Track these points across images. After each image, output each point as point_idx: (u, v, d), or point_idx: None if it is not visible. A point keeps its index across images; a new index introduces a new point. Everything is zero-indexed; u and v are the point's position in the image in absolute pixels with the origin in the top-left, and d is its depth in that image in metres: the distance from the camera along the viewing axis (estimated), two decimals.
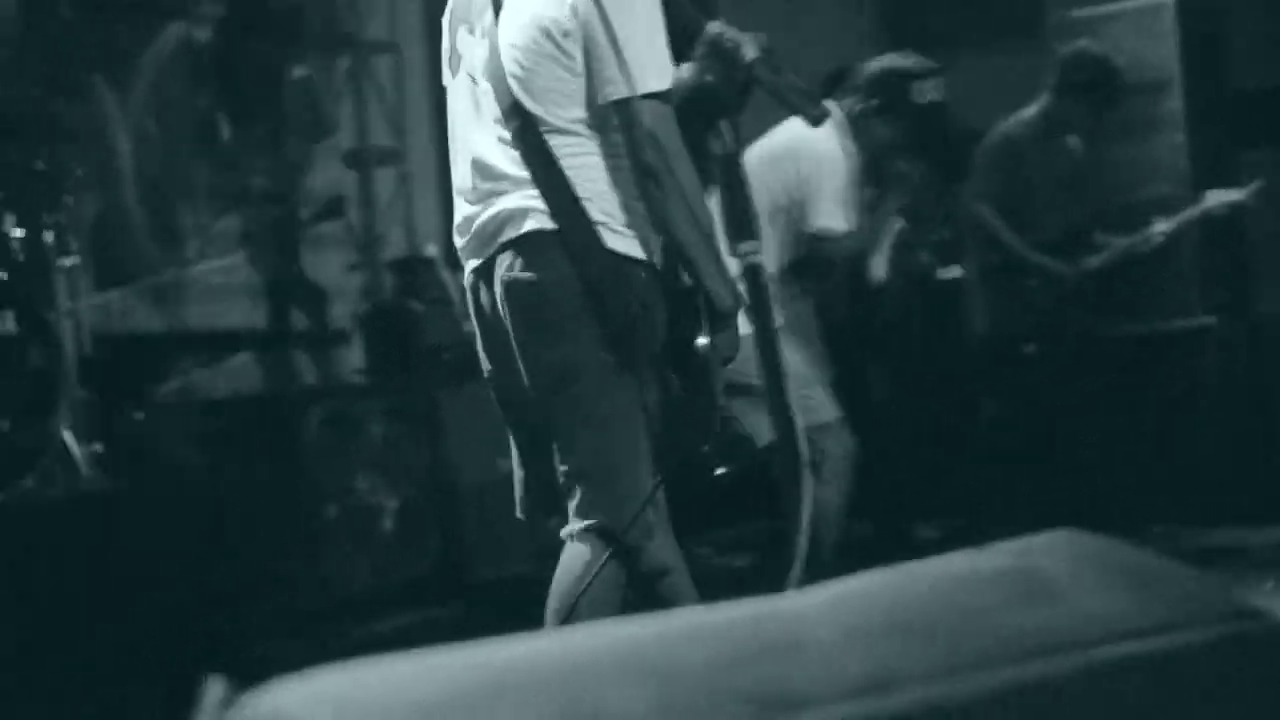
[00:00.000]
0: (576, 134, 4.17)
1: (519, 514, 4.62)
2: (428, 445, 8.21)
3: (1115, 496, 7.97)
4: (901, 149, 8.77)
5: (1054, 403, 8.24)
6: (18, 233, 6.98)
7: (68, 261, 7.41)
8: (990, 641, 1.60)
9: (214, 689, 1.48)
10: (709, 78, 2.90)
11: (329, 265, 10.19)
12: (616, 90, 4.04)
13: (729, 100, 2.91)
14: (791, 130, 6.34)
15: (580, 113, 4.15)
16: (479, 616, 7.64)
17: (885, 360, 9.12)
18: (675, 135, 3.92)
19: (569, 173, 4.14)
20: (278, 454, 7.82)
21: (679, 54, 2.97)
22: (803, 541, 2.84)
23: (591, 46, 4.08)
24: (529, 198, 4.17)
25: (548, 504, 4.52)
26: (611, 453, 4.20)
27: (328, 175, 10.29)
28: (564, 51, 4.12)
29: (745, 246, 2.89)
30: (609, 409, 4.19)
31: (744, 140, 2.94)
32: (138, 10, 9.27)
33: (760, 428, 4.69)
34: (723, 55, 2.91)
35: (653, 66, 3.96)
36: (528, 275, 4.18)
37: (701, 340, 4.08)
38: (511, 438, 4.60)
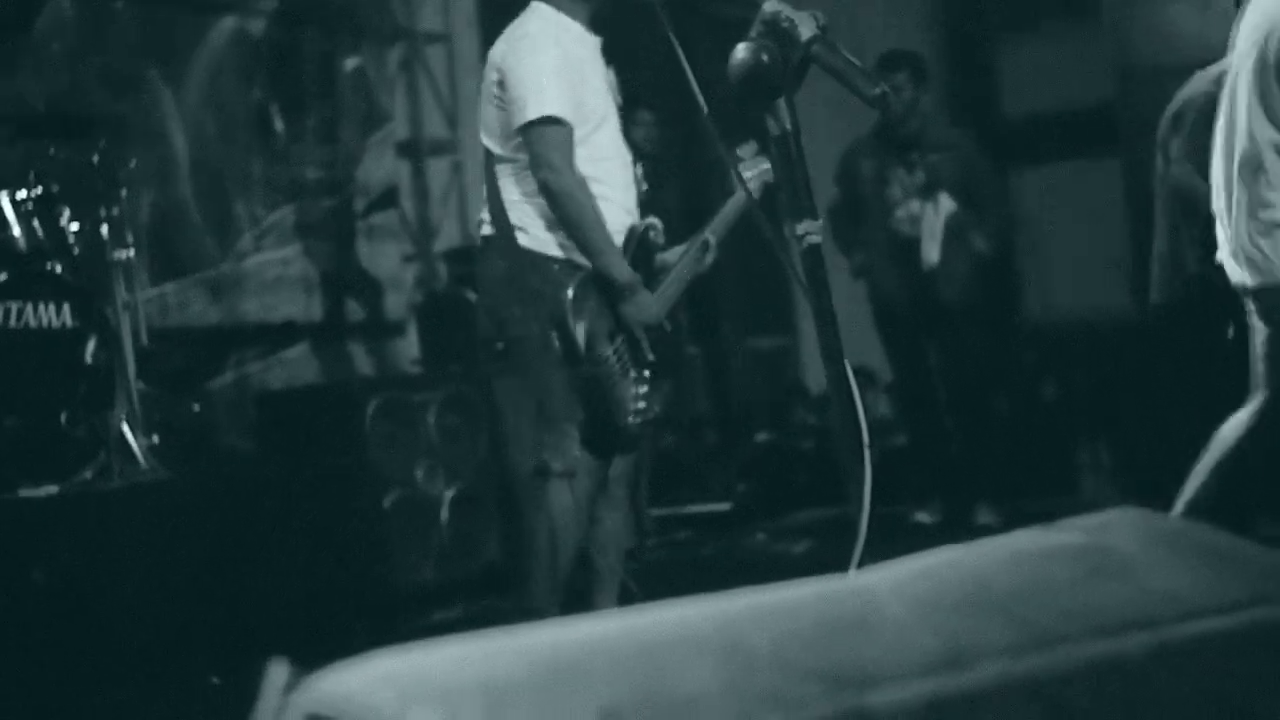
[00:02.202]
0: (511, 160, 5.29)
1: None
2: (485, 434, 8.21)
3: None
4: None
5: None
6: (74, 226, 7.00)
7: (124, 255, 7.44)
8: (1062, 618, 1.59)
9: (277, 673, 1.48)
10: (765, 57, 2.87)
11: (384, 256, 10.21)
12: (516, 120, 5.17)
13: (785, 79, 2.88)
14: None
15: (512, 141, 5.25)
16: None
17: (943, 345, 9.07)
18: (558, 150, 5.13)
19: (502, 190, 5.31)
20: (334, 444, 7.83)
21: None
22: (865, 521, 2.82)
23: (505, 87, 5.22)
24: (485, 211, 5.42)
25: None
26: (544, 404, 5.23)
27: (381, 166, 10.31)
28: (495, 95, 5.28)
29: (803, 227, 2.86)
30: (538, 372, 5.23)
31: (800, 120, 2.92)
32: (191, 3, 9.29)
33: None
34: (779, 34, 2.88)
35: (533, 97, 5.13)
36: (479, 269, 5.54)
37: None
38: None
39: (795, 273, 2.89)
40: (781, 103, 2.87)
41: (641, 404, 5.36)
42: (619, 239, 5.37)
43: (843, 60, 2.91)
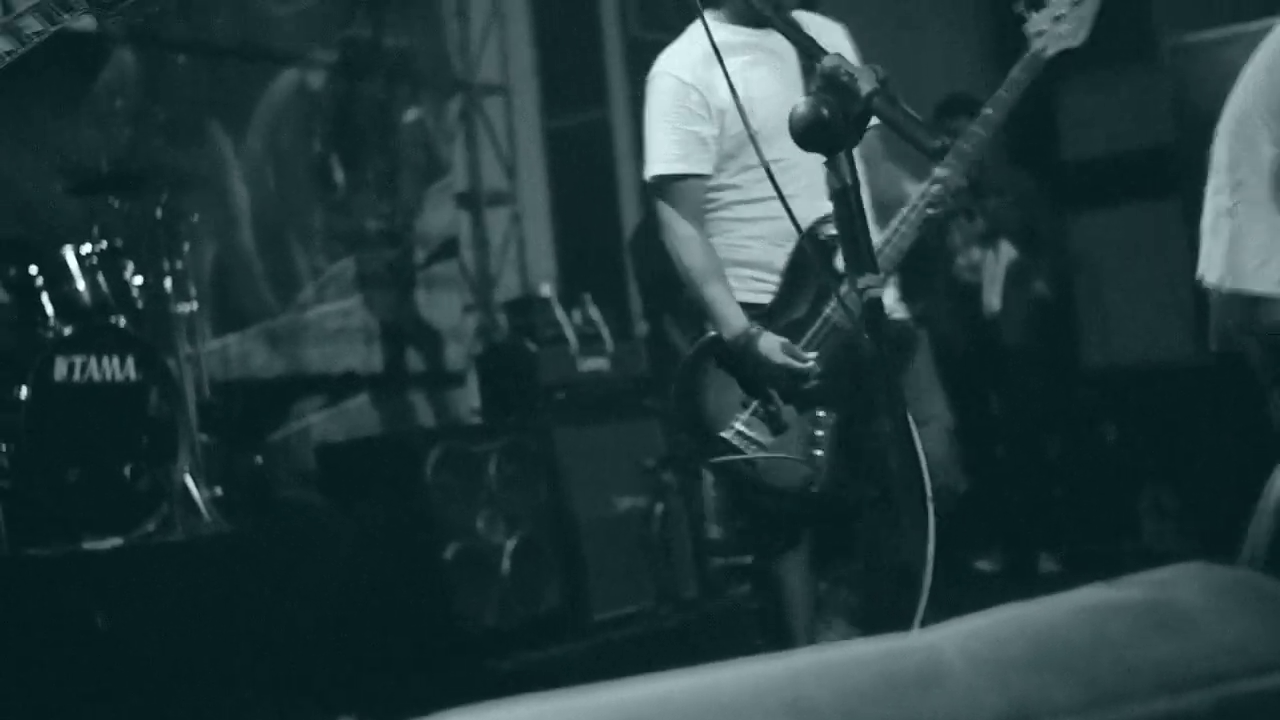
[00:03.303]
0: None
1: None
2: (545, 484, 8.22)
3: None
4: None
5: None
6: (138, 280, 7.05)
7: (186, 307, 7.49)
8: (1127, 675, 1.58)
9: None
10: (825, 111, 2.88)
11: (444, 306, 10.24)
12: None
13: (846, 133, 2.89)
14: None
15: None
16: (600, 654, 7.64)
17: (1004, 392, 9.04)
18: (668, 207, 4.98)
19: None
20: (396, 495, 7.85)
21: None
22: (928, 577, 2.81)
23: None
24: None
25: None
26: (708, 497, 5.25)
27: (441, 217, 10.35)
28: None
29: (864, 280, 2.87)
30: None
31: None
32: (252, 58, 9.36)
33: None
34: (839, 88, 2.89)
35: (647, 154, 5.06)
36: None
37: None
38: None
39: (857, 326, 2.89)
40: (842, 156, 2.88)
41: (817, 454, 4.78)
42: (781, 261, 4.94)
43: (902, 114, 2.92)
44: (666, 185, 4.99)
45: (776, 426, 4.80)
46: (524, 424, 8.51)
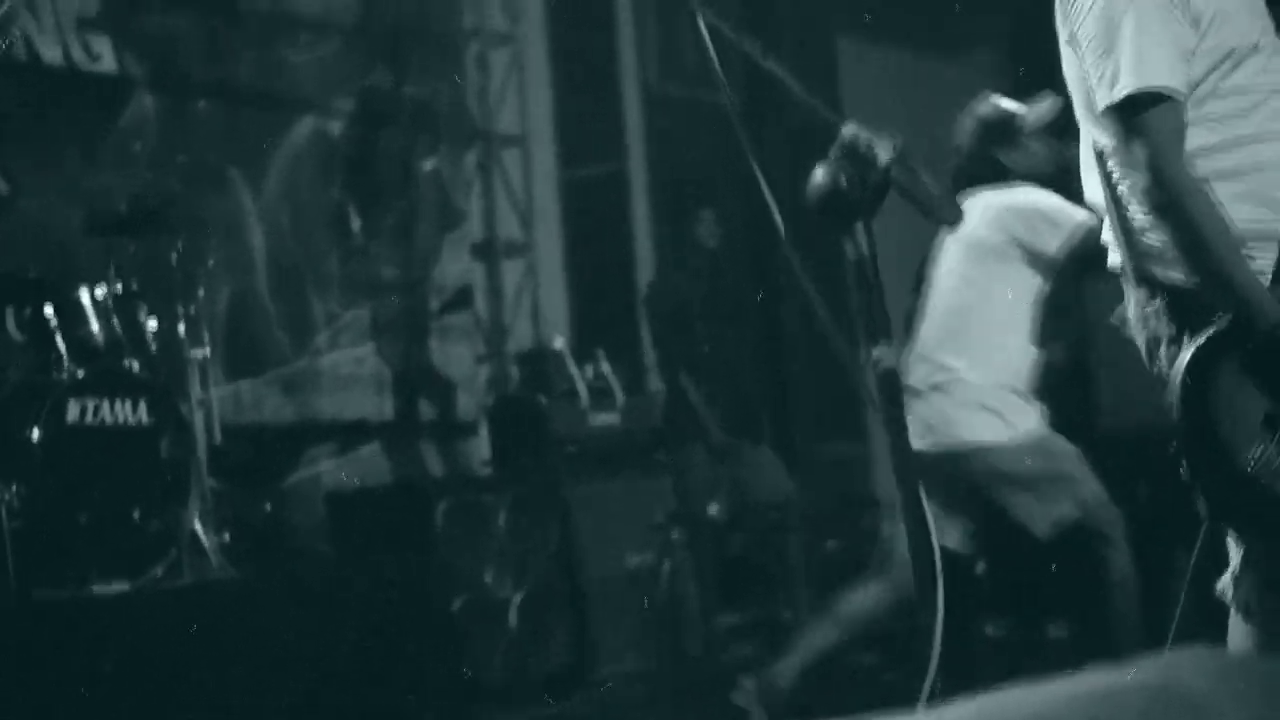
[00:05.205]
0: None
1: None
2: (554, 537, 8.21)
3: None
4: None
5: None
6: (152, 324, 7.06)
7: (200, 353, 7.51)
8: None
9: None
10: (843, 180, 2.88)
11: (457, 356, 10.25)
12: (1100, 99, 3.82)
13: (863, 203, 2.88)
14: None
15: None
16: (606, 712, 7.62)
17: None
18: (1143, 144, 3.61)
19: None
20: (405, 544, 7.85)
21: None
22: (936, 653, 2.79)
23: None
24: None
25: None
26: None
27: (456, 266, 10.36)
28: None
29: (878, 352, 2.86)
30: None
31: (877, 243, 2.91)
32: (271, 103, 9.39)
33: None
34: (857, 157, 2.88)
35: (1121, 67, 3.63)
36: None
37: None
38: None
39: (870, 397, 2.88)
40: (859, 227, 2.87)
41: None
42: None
43: (921, 184, 2.91)
44: (1147, 108, 3.57)
45: None
46: (534, 476, 8.51)
